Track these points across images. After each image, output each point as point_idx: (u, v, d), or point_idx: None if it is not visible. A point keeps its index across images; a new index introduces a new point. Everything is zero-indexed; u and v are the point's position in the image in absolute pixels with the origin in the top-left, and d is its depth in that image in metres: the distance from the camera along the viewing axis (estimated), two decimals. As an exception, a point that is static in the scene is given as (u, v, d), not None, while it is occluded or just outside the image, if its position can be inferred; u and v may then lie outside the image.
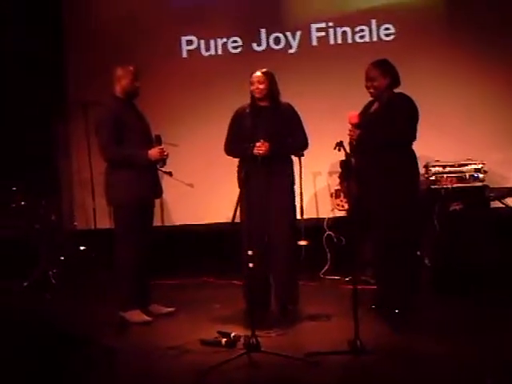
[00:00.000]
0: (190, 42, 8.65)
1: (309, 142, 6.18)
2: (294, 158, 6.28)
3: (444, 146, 7.90)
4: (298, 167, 6.50)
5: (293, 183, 6.16)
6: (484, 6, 8.13)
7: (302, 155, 6.36)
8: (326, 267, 7.78)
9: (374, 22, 8.39)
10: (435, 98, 7.94)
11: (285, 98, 6.16)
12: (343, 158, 5.23)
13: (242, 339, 5.10)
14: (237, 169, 6.16)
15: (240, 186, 5.82)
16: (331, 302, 6.34)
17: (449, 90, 8.19)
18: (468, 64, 8.18)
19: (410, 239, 5.77)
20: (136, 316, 5.96)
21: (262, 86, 6.04)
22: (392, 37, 8.36)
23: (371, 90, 5.83)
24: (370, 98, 5.93)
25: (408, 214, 5.70)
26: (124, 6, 8.70)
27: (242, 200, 5.35)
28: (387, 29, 8.38)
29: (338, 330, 5.37)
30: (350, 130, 5.68)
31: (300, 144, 6.19)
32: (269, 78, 6.03)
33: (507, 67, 8.10)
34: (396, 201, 5.65)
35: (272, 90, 6.06)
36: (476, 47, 8.12)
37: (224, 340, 5.18)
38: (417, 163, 5.89)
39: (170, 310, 6.23)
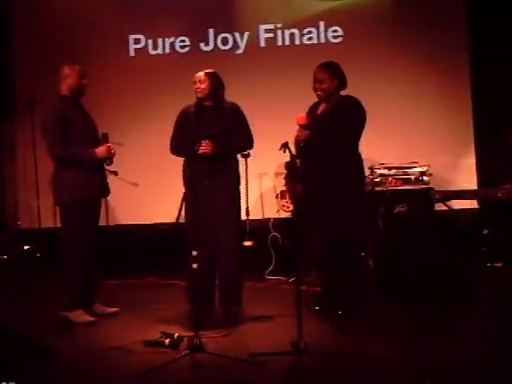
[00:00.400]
0: (137, 41, 8.66)
1: (254, 142, 6.18)
2: (241, 159, 6.25)
3: (390, 148, 8.08)
4: (244, 168, 6.47)
5: (238, 183, 6.14)
6: (431, 9, 8.38)
7: (249, 156, 6.35)
8: (271, 268, 7.78)
9: (322, 24, 8.47)
10: (382, 100, 8.11)
11: (232, 97, 6.15)
12: (289, 159, 5.22)
13: (185, 340, 5.07)
14: (182, 168, 6.11)
15: (185, 186, 5.82)
16: (275, 303, 6.33)
17: (396, 92, 8.40)
18: (415, 66, 8.42)
19: (354, 241, 5.82)
20: (79, 316, 5.89)
21: (203, 86, 6.01)
22: (340, 39, 8.52)
23: (319, 92, 5.86)
24: (317, 100, 5.97)
25: (352, 215, 5.75)
26: (73, 4, 8.69)
27: (186, 200, 5.33)
28: (335, 31, 8.52)
29: (281, 330, 5.36)
30: (298, 131, 5.71)
31: (245, 144, 6.18)
32: (211, 77, 6.01)
33: (455, 69, 8.34)
34: (341, 203, 5.69)
35: (215, 90, 6.03)
36: (423, 50, 8.35)
37: (167, 340, 5.13)
38: (362, 165, 5.94)
39: (113, 310, 6.17)
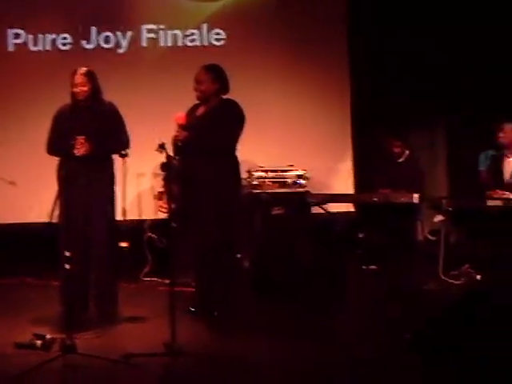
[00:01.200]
0: (17, 36, 8.38)
1: (131, 142, 6.12)
2: (118, 159, 6.17)
3: (268, 151, 8.06)
4: (122, 168, 6.39)
5: (113, 183, 6.09)
6: (314, 10, 8.44)
7: (126, 155, 6.27)
8: (147, 269, 7.75)
9: (205, 26, 8.45)
10: (263, 103, 8.10)
11: (112, 96, 6.11)
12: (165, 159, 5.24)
13: (57, 341, 4.98)
14: (57, 168, 6.01)
15: (59, 185, 5.79)
16: (150, 305, 6.30)
17: (276, 95, 8.39)
18: (296, 69, 8.43)
19: (228, 242, 5.88)
20: None
21: (85, 89, 5.92)
22: (222, 42, 8.49)
23: (198, 94, 5.90)
24: (197, 101, 6.00)
25: (228, 218, 5.82)
26: None
27: (60, 199, 5.24)
28: (218, 33, 8.49)
29: (156, 332, 5.33)
30: (177, 131, 5.72)
31: (120, 144, 6.05)
32: (91, 79, 5.92)
33: (336, 73, 8.44)
34: (216, 205, 5.76)
35: (93, 89, 5.95)
36: (305, 52, 8.41)
37: (39, 342, 5.03)
38: (239, 168, 6.03)
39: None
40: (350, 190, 8.54)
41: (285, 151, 8.14)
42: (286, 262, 6.82)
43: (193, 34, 8.46)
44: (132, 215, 7.74)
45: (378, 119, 8.40)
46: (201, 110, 5.96)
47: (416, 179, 7.91)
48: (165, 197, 7.37)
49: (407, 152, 8.15)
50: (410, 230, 7.81)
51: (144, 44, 8.47)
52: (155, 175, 8.03)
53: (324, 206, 7.57)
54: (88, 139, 5.79)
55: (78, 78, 5.93)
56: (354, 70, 8.48)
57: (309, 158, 8.01)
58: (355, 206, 8.02)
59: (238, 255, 6.71)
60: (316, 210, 7.58)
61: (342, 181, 8.54)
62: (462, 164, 8.58)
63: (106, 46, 8.44)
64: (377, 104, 8.44)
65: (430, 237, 7.94)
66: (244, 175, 6.83)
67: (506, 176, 7.48)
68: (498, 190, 7.29)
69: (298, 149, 8.23)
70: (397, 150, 8.09)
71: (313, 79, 8.45)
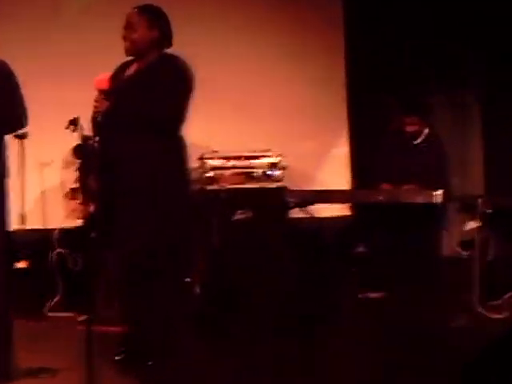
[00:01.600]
0: None
1: (28, 117, 5.78)
2: (14, 141, 6.23)
3: (228, 131, 8.12)
4: (19, 155, 6.36)
5: (2, 177, 5.74)
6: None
7: (24, 136, 6.21)
8: (55, 300, 7.64)
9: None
10: (225, 66, 8.22)
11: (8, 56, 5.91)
12: (79, 142, 5.25)
13: None
14: None
15: None
16: (59, 351, 6.29)
17: (244, 52, 8.53)
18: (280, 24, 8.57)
19: (169, 261, 5.76)
20: None
21: None
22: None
23: (128, 45, 5.85)
24: (128, 58, 5.97)
25: (168, 225, 5.71)
26: None
27: None
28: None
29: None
30: (97, 101, 5.69)
31: (14, 119, 5.75)
32: None
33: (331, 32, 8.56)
34: (149, 205, 5.65)
35: None
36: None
37: None
38: (186, 155, 5.95)
39: None
40: (345, 184, 8.62)
41: (253, 131, 8.20)
42: (253, 288, 6.87)
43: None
44: (33, 223, 7.77)
45: (384, 85, 8.55)
46: (132, 69, 5.90)
47: (439, 169, 7.91)
48: (80, 195, 7.25)
49: (426, 131, 8.09)
50: (431, 242, 7.69)
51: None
52: (66, 165, 7.96)
53: (308, 208, 7.54)
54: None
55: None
56: (349, 25, 8.80)
57: (287, 140, 8.13)
58: (352, 207, 8.02)
59: (186, 279, 6.73)
60: (297, 213, 7.59)
61: (334, 172, 8.65)
62: (504, 148, 8.61)
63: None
64: (381, 66, 8.65)
65: (459, 251, 7.86)
66: (194, 164, 6.82)
67: None
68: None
69: (275, 128, 8.29)
70: (411, 128, 8.03)
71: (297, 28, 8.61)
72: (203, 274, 7.24)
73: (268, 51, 8.57)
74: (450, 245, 7.97)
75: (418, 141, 8.16)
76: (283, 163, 7.64)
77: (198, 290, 7.19)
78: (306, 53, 8.67)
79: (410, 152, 8.08)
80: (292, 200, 7.48)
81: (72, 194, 7.65)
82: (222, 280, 7.17)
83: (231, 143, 7.84)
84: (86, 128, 5.35)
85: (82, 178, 5.94)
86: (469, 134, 9.17)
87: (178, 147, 5.91)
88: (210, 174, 7.54)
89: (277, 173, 7.61)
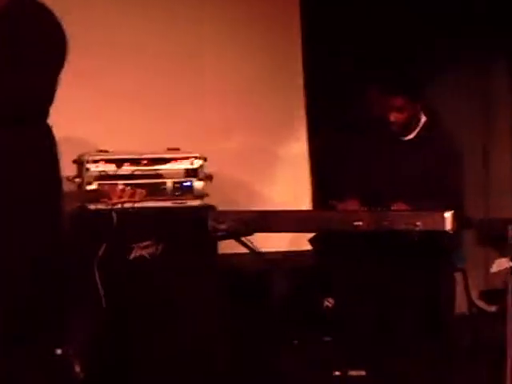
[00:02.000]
0: None
1: None
2: None
3: (122, 121, 7.07)
4: None
5: None
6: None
7: None
8: None
9: None
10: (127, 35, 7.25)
11: None
12: None
13: None
14: None
15: None
16: None
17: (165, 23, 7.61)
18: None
19: (32, 324, 4.60)
20: None
21: None
22: None
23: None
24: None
25: (24, 269, 4.57)
26: None
27: None
28: None
29: None
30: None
31: None
32: None
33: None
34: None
35: None
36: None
37: None
38: (56, 155, 4.78)
39: None
40: (305, 201, 7.43)
41: (161, 120, 7.09)
42: (159, 362, 5.93)
43: None
44: None
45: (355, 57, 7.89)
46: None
47: (444, 179, 6.43)
48: None
49: (423, 120, 6.61)
50: (437, 292, 6.35)
51: None
52: None
53: (248, 239, 6.32)
54: None
55: None
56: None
57: (212, 135, 7.18)
58: (315, 238, 6.59)
59: (57, 350, 5.19)
60: (230, 246, 6.47)
61: (286, 183, 7.55)
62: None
63: None
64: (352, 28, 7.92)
65: (482, 305, 7.21)
66: (66, 171, 5.41)
67: None
68: None
69: (191, 117, 7.26)
70: (398, 116, 6.48)
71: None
72: (83, 344, 5.87)
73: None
74: (466, 295, 6.69)
75: (411, 136, 6.56)
76: (207, 170, 6.24)
77: (77, 368, 5.75)
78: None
79: (398, 152, 6.54)
80: (222, 227, 6.10)
81: None
82: (111, 354, 5.90)
83: (127, 139, 6.69)
84: None
85: None
86: (494, 126, 8.36)
87: (42, 143, 4.77)
88: (94, 185, 6.14)
89: (197, 184, 6.19)
